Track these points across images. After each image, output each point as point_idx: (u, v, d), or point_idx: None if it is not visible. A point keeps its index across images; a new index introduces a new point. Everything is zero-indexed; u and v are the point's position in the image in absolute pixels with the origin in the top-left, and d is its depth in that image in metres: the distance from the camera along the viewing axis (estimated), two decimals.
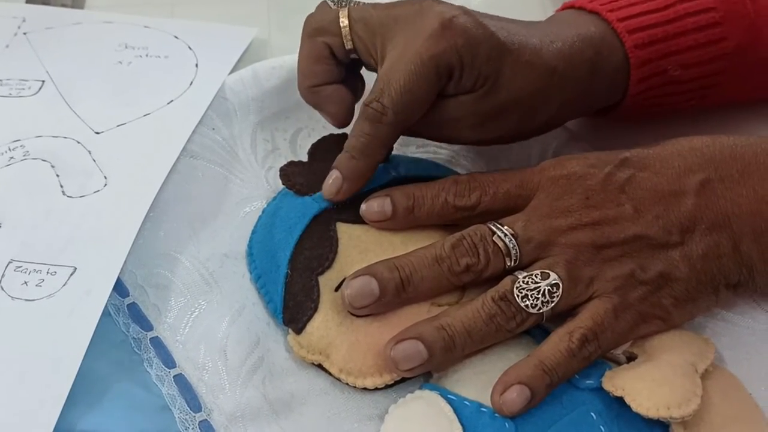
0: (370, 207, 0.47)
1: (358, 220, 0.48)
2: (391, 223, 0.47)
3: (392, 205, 0.47)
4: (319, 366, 0.45)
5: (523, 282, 0.43)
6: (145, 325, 0.46)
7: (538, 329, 0.45)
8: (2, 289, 0.46)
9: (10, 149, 0.53)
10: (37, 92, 0.58)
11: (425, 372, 0.44)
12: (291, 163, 0.51)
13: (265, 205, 0.51)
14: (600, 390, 0.42)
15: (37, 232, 0.49)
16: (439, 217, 0.47)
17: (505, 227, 0.44)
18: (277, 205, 0.50)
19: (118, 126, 0.55)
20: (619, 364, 0.44)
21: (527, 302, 0.43)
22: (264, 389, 0.44)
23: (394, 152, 0.51)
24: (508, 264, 0.44)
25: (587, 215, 0.44)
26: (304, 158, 0.52)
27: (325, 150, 0.51)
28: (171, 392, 0.44)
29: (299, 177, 0.50)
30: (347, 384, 0.44)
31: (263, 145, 0.55)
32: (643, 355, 0.44)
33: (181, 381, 0.44)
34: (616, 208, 0.45)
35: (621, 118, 0.54)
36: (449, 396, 0.42)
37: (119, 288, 0.47)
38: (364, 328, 0.44)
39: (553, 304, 0.43)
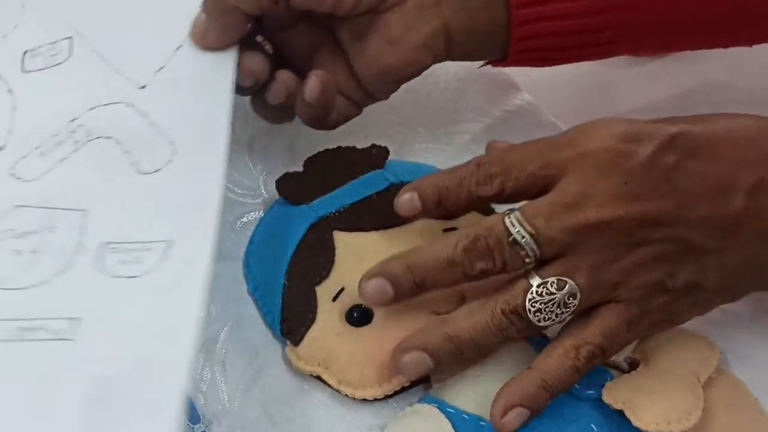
0: (402, 202, 0.44)
1: (355, 227, 0.47)
2: (423, 215, 0.45)
3: (420, 200, 0.44)
4: (318, 377, 0.45)
5: (537, 294, 0.40)
6: None
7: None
8: (101, 270, 0.43)
9: (71, 132, 0.49)
10: (69, 56, 0.52)
11: (426, 379, 0.44)
12: (287, 174, 0.50)
13: (262, 215, 0.51)
14: (600, 401, 0.41)
15: (124, 212, 0.45)
16: (467, 208, 0.45)
17: (525, 225, 0.40)
18: (274, 215, 0.50)
19: (157, 72, 0.50)
20: (620, 370, 0.43)
21: (540, 316, 0.40)
22: (263, 401, 0.44)
23: (391, 157, 0.51)
24: (527, 262, 0.41)
25: (622, 207, 0.39)
26: (303, 163, 0.51)
27: (322, 160, 0.50)
28: None
29: (296, 187, 0.49)
30: (346, 395, 0.44)
31: (261, 152, 0.54)
32: (644, 360, 0.43)
33: None
34: (657, 200, 0.40)
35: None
36: (448, 409, 0.42)
37: None
38: (362, 339, 0.44)
39: (567, 314, 0.40)
